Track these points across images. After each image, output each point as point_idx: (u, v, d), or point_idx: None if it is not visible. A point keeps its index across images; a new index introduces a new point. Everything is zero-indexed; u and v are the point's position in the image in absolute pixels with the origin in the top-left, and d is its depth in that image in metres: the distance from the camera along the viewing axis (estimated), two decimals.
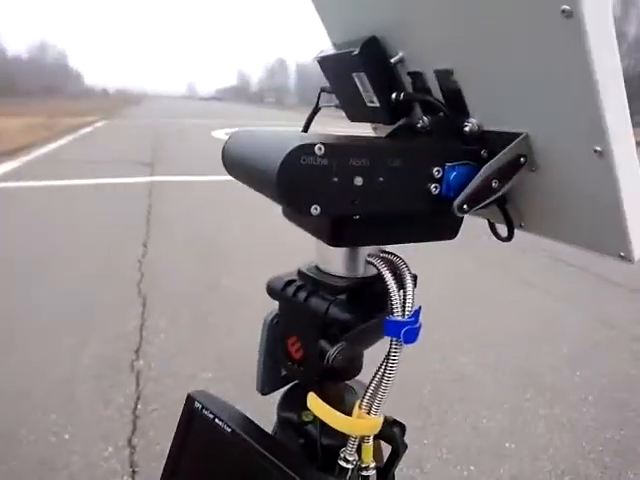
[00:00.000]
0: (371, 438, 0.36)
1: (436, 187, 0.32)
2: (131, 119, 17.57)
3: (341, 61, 0.41)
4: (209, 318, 2.08)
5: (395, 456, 0.38)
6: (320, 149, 0.28)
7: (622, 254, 0.33)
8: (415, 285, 0.35)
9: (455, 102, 0.35)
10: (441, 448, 1.39)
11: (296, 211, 0.29)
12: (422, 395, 1.63)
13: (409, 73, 0.38)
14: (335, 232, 0.33)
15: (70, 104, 30.49)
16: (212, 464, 0.38)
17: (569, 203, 0.34)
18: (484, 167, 0.32)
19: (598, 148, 0.29)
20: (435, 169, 0.32)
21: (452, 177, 0.32)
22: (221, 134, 11.11)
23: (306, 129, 0.46)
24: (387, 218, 0.34)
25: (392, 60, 0.38)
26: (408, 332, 0.33)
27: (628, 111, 0.29)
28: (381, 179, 0.30)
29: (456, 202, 0.32)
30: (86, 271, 2.59)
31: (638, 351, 1.98)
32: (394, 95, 0.38)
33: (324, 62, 0.43)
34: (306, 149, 0.28)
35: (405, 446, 0.38)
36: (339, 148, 0.29)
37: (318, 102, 0.46)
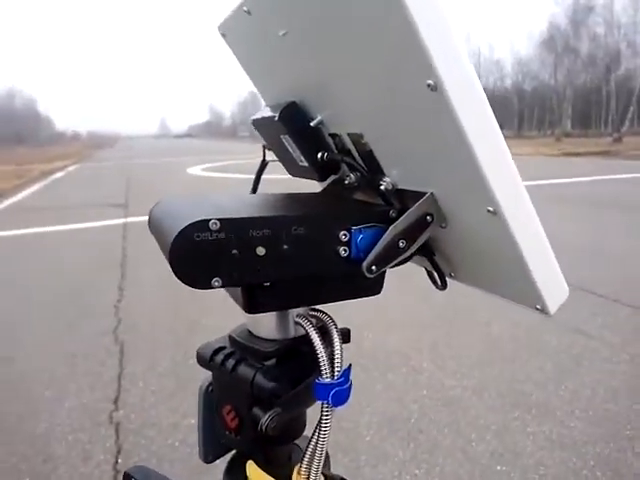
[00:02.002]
0: None
1: (345, 250, 0.33)
2: (104, 161, 17.50)
3: (269, 124, 0.42)
4: (190, 361, 2.03)
5: None
6: (215, 224, 0.28)
7: (538, 307, 0.34)
8: (347, 341, 0.36)
9: (371, 162, 0.37)
10: (434, 478, 1.36)
11: (194, 287, 0.29)
12: (410, 423, 1.61)
13: (330, 134, 0.40)
14: (249, 299, 0.33)
15: (41, 150, 30.26)
16: None
17: (480, 257, 0.36)
18: (390, 228, 0.33)
19: (490, 208, 0.30)
20: (342, 233, 0.33)
21: (359, 240, 0.33)
22: (197, 170, 11.13)
23: (255, 187, 0.47)
24: (303, 281, 0.34)
25: (312, 123, 0.40)
26: (337, 394, 0.33)
27: (515, 170, 0.30)
28: (285, 247, 0.31)
29: (364, 264, 0.33)
30: (61, 318, 2.51)
31: (621, 362, 2.01)
32: (319, 155, 0.40)
33: (258, 124, 0.44)
34: (199, 226, 0.28)
35: None
36: (236, 222, 0.29)
37: (264, 158, 0.47)
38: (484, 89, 0.28)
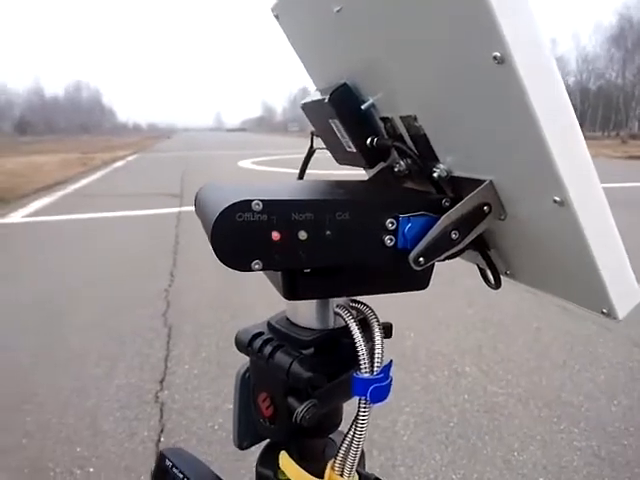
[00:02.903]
0: None
1: (391, 239, 0.31)
2: (161, 152, 18.17)
3: (318, 108, 0.41)
4: (233, 348, 2.07)
5: None
6: (258, 205, 0.28)
7: (604, 310, 0.31)
8: (388, 336, 0.34)
9: (424, 147, 0.35)
10: None
11: (234, 268, 0.28)
12: (449, 427, 1.57)
13: (381, 118, 0.38)
14: (288, 285, 0.33)
15: (104, 140, 31.82)
16: None
17: (542, 253, 0.33)
18: (442, 218, 0.31)
19: (557, 198, 0.28)
20: (389, 221, 0.31)
21: (407, 229, 0.31)
22: (247, 164, 11.34)
23: (302, 174, 0.46)
24: (345, 270, 0.33)
25: (362, 107, 0.38)
26: (375, 390, 0.32)
27: (588, 158, 0.28)
28: (328, 232, 0.30)
29: (411, 255, 0.31)
30: (115, 301, 2.64)
31: None
32: (369, 140, 0.38)
33: (307, 109, 0.43)
34: (241, 206, 0.27)
35: None
36: (279, 203, 0.28)
37: (312, 145, 0.46)
38: None
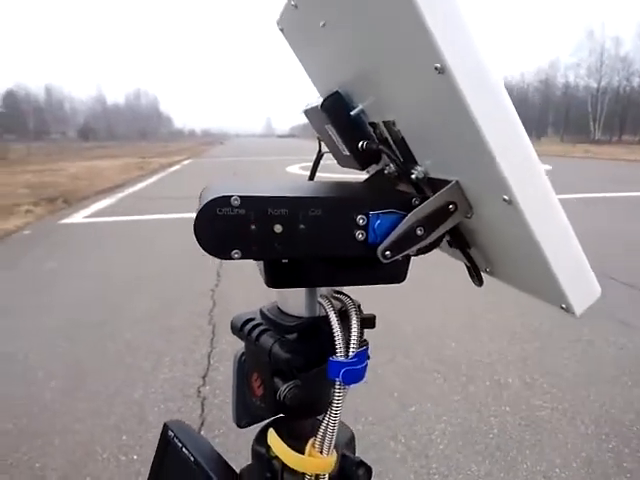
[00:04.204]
0: (326, 477, 0.37)
1: (362, 234, 0.33)
2: (214, 158, 18.75)
3: (315, 114, 0.43)
4: None
5: None
6: (236, 200, 0.30)
7: (563, 306, 0.32)
8: (371, 326, 0.37)
9: (404, 151, 0.37)
10: None
11: (216, 257, 0.31)
12: (488, 438, 1.53)
13: (370, 124, 0.40)
14: (269, 274, 0.35)
15: (161, 145, 33.21)
16: None
17: (505, 251, 0.35)
18: (408, 215, 0.33)
19: (506, 197, 0.29)
20: (359, 217, 0.33)
21: (377, 225, 0.33)
22: (295, 169, 11.49)
23: (312, 176, 0.48)
24: (321, 262, 0.35)
25: (352, 113, 0.40)
26: (348, 373, 0.34)
27: (535, 158, 0.29)
28: (302, 226, 0.32)
29: (379, 248, 0.33)
30: (164, 298, 2.76)
31: None
32: (360, 144, 0.40)
33: (308, 115, 0.46)
34: (221, 201, 0.30)
35: None
36: (256, 199, 0.31)
37: (320, 149, 0.48)
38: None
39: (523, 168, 0.29)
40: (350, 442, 0.43)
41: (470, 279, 0.39)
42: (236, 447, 1.43)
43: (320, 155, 0.49)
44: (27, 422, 1.63)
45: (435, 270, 2.93)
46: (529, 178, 0.29)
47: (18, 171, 11.45)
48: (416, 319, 2.49)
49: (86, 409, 1.70)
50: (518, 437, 1.54)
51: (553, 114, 56.63)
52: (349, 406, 1.70)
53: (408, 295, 2.79)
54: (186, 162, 15.33)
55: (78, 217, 5.62)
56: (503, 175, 0.28)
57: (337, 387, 0.35)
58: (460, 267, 0.43)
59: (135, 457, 1.45)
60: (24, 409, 1.70)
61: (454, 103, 0.28)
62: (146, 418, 1.64)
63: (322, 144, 0.48)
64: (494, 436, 1.55)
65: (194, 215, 0.32)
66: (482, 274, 0.39)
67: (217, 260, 2.29)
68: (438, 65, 0.27)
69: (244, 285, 2.97)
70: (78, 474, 1.38)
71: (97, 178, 9.56)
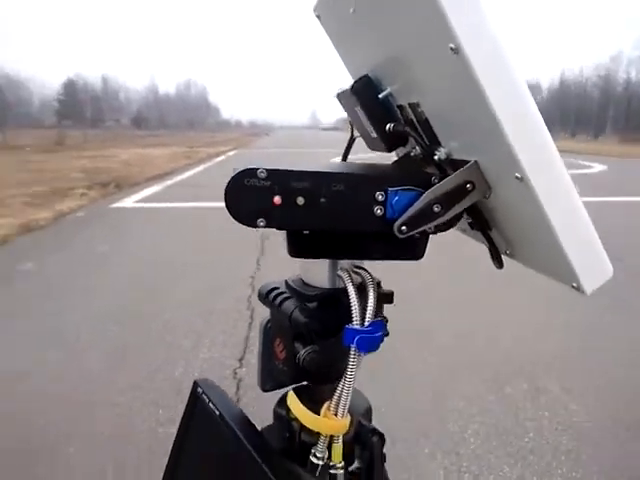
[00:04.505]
0: (340, 438, 0.39)
1: (380, 209, 0.35)
2: (260, 149, 19.01)
3: (346, 97, 0.45)
4: None
5: (371, 462, 0.40)
6: (262, 173, 0.33)
7: (574, 284, 0.32)
8: (388, 301, 0.38)
9: (429, 132, 0.38)
10: None
11: (243, 224, 0.34)
12: (523, 442, 1.50)
13: (397, 106, 0.41)
14: (291, 243, 0.37)
15: (208, 135, 33.98)
16: (206, 443, 0.44)
17: (521, 231, 0.35)
18: (426, 192, 0.34)
19: (518, 174, 0.30)
20: (378, 193, 0.34)
21: (395, 201, 0.34)
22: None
23: (344, 157, 0.49)
24: (341, 235, 0.37)
25: (380, 95, 0.41)
26: (362, 340, 0.35)
27: (547, 136, 0.30)
28: (323, 200, 0.34)
29: (396, 223, 0.34)
30: (206, 283, 2.85)
31: None
32: (387, 126, 0.41)
33: (340, 98, 0.47)
34: (250, 173, 0.33)
35: (383, 455, 0.41)
36: (280, 172, 0.33)
37: (352, 133, 0.49)
38: None
39: (535, 147, 0.30)
40: (367, 412, 0.45)
41: (492, 262, 0.40)
42: None
43: (352, 139, 0.50)
44: (73, 392, 1.73)
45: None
46: (540, 157, 0.30)
47: (74, 156, 12.03)
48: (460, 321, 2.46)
49: (126, 383, 1.78)
50: (555, 442, 1.50)
51: (613, 112, 53.75)
52: (378, 403, 1.70)
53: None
54: (231, 153, 15.63)
55: (129, 202, 5.86)
56: (514, 152, 0.29)
57: (352, 353, 0.36)
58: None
59: (172, 431, 1.51)
60: (73, 380, 1.81)
61: (469, 83, 0.29)
62: (185, 395, 1.70)
63: (354, 129, 0.49)
64: (529, 440, 1.51)
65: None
66: (502, 257, 0.40)
67: (257, 248, 2.36)
68: (453, 45, 0.28)
69: (281, 274, 3.00)
70: (118, 443, 1.46)
71: (147, 165, 9.92)
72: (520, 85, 0.29)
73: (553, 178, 0.30)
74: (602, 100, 54.24)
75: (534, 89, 66.17)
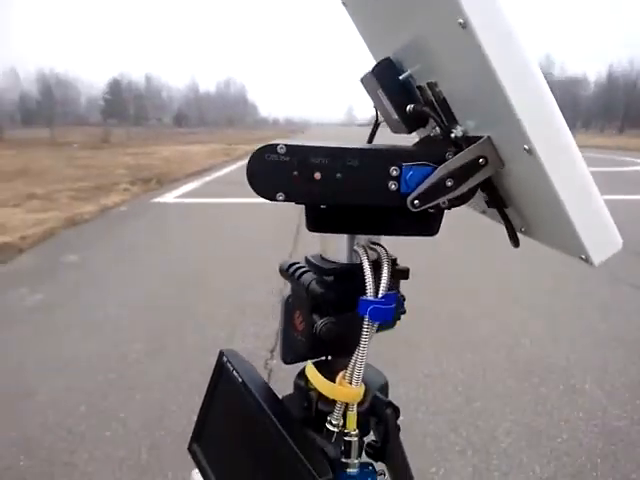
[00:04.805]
0: (355, 407, 0.40)
1: (395, 184, 0.35)
2: None
3: (369, 81, 0.45)
4: None
5: (385, 432, 0.42)
6: (282, 149, 0.34)
7: (582, 256, 0.33)
8: (404, 277, 0.40)
9: (446, 111, 0.38)
10: None
11: (264, 197, 0.35)
12: (556, 442, 1.47)
13: (417, 87, 0.42)
14: (309, 218, 0.39)
15: (246, 133, 34.46)
16: (230, 409, 0.46)
17: (533, 205, 0.36)
18: (439, 167, 0.34)
19: (526, 147, 0.30)
20: (392, 168, 0.35)
21: (409, 176, 0.35)
22: None
23: (370, 141, 0.50)
24: (357, 209, 0.38)
25: (400, 77, 0.42)
26: (375, 311, 0.37)
27: (555, 109, 0.30)
28: (339, 175, 0.35)
29: (409, 197, 0.35)
30: (239, 276, 2.91)
31: None
32: (408, 108, 0.42)
33: (364, 82, 0.48)
34: (270, 149, 0.34)
35: (397, 427, 0.42)
36: (299, 148, 0.34)
37: (377, 117, 0.49)
38: None
39: (542, 119, 0.30)
40: (383, 388, 0.47)
41: (510, 241, 0.40)
42: None
43: (377, 124, 0.50)
44: (115, 377, 1.81)
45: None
46: (548, 129, 0.30)
47: (118, 153, 12.48)
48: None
49: (164, 372, 1.85)
50: (590, 445, 1.45)
51: None
52: (411, 395, 1.70)
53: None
54: None
55: (169, 197, 6.04)
56: (522, 124, 0.30)
57: (365, 323, 0.37)
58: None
59: None
60: (113, 366, 1.89)
61: (478, 57, 0.29)
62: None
63: (379, 114, 0.50)
64: (563, 441, 1.47)
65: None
66: (518, 235, 0.40)
67: (290, 242, 2.39)
68: (461, 20, 0.29)
69: None
70: (155, 426, 1.52)
71: (187, 162, 10.18)
72: (528, 59, 0.30)
73: (561, 150, 0.31)
74: None
75: (581, 83, 63.58)
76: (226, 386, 0.46)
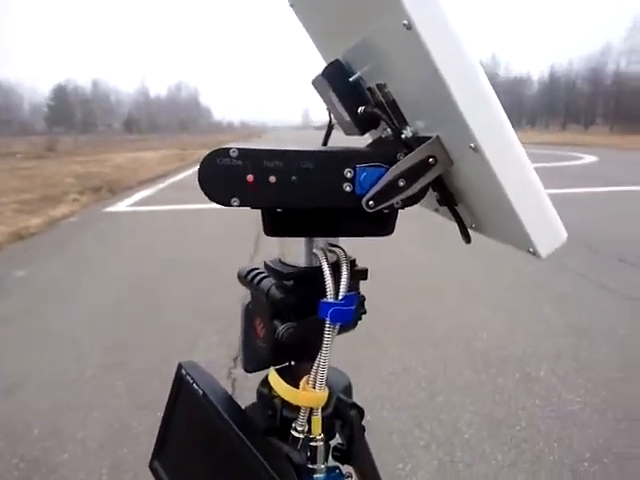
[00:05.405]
0: (319, 412, 0.40)
1: (349, 186, 0.36)
2: None
3: (320, 83, 0.46)
4: None
5: (350, 434, 0.42)
6: (234, 152, 0.33)
7: (530, 249, 0.34)
8: (363, 278, 0.40)
9: (396, 112, 0.39)
10: None
11: (217, 203, 0.34)
12: (515, 430, 1.52)
13: (367, 89, 0.42)
14: (266, 222, 0.38)
15: (201, 137, 33.88)
16: (191, 422, 0.45)
17: (481, 202, 0.37)
18: (391, 168, 0.35)
19: (472, 145, 0.31)
20: (347, 170, 0.36)
21: (363, 177, 0.36)
22: None
23: (324, 144, 0.50)
24: (313, 212, 0.38)
25: (351, 79, 0.42)
26: (336, 312, 0.37)
27: (498, 108, 0.31)
28: (294, 178, 0.35)
29: (364, 199, 0.35)
30: (200, 282, 2.86)
31: None
32: (359, 110, 0.42)
33: (315, 84, 0.48)
34: (221, 153, 0.33)
35: (362, 428, 0.42)
36: (252, 151, 0.34)
37: (330, 120, 0.50)
38: None
39: (486, 118, 0.31)
40: (346, 389, 0.47)
41: (461, 237, 0.41)
42: None
43: (330, 126, 0.51)
44: (71, 394, 1.73)
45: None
46: (492, 127, 0.31)
47: (66, 162, 11.97)
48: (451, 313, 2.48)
49: (125, 385, 1.79)
50: (547, 430, 1.52)
51: (603, 103, 54.03)
52: (377, 393, 1.72)
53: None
54: None
55: (122, 205, 5.85)
56: (467, 123, 0.31)
57: (327, 326, 0.38)
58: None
59: None
60: (68, 382, 1.81)
61: (423, 57, 0.30)
62: None
63: (332, 116, 0.50)
64: (521, 428, 1.53)
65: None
66: (469, 232, 0.41)
67: (251, 246, 2.36)
68: (406, 22, 0.29)
69: None
70: (115, 445, 1.47)
71: (140, 169, 9.89)
72: (471, 59, 0.31)
73: (505, 148, 0.32)
74: (592, 92, 54.50)
75: (525, 83, 66.42)
76: (186, 399, 0.45)
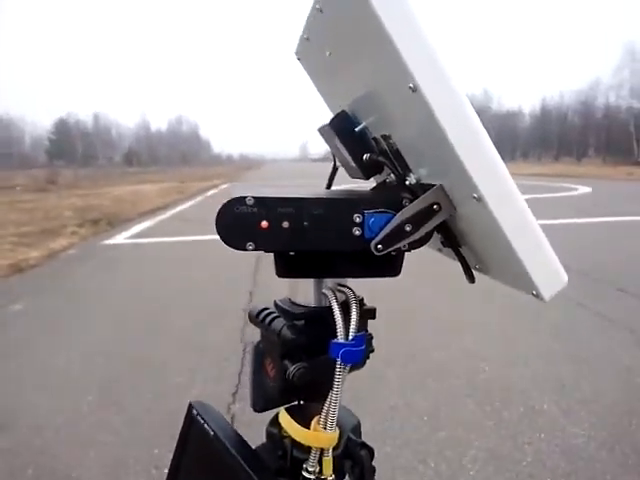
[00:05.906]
0: (330, 452, 0.40)
1: (358, 230, 0.38)
2: (251, 181, 19.17)
3: (326, 132, 0.48)
4: None
5: (361, 475, 0.41)
6: (250, 200, 0.35)
7: (534, 292, 0.35)
8: (371, 317, 0.41)
9: (400, 161, 0.41)
10: None
11: (234, 248, 0.36)
12: (521, 466, 1.49)
13: (373, 138, 0.45)
14: (278, 265, 0.40)
15: (200, 170, 34.29)
16: (202, 463, 0.45)
17: (485, 246, 0.38)
18: (398, 214, 0.37)
19: (475, 195, 0.33)
20: (356, 215, 0.37)
21: (371, 222, 0.37)
22: None
23: (329, 185, 0.52)
24: (324, 255, 0.39)
25: (356, 129, 0.45)
26: (347, 353, 0.38)
27: (498, 161, 0.33)
28: (306, 223, 0.36)
29: (373, 242, 0.37)
30: (199, 315, 2.84)
31: None
32: (365, 157, 0.44)
33: (321, 132, 0.51)
34: (239, 201, 0.35)
35: (373, 468, 0.42)
36: (267, 199, 0.36)
37: (335, 163, 0.52)
38: None
39: (488, 170, 0.33)
40: (356, 428, 0.47)
41: (466, 277, 0.43)
42: None
43: (335, 169, 0.52)
44: (66, 432, 1.69)
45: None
46: (493, 178, 0.33)
47: (65, 195, 12.06)
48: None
49: (121, 421, 1.75)
50: (553, 465, 1.48)
51: (594, 136, 55.16)
52: (378, 429, 1.69)
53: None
54: (223, 186, 15.73)
55: (120, 238, 5.86)
56: (470, 176, 0.33)
57: (338, 366, 0.38)
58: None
59: (166, 471, 1.48)
60: (64, 420, 1.77)
61: (428, 117, 0.32)
62: (177, 432, 1.67)
63: (336, 159, 0.52)
64: (527, 464, 1.50)
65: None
66: (474, 272, 0.43)
67: (250, 280, 2.36)
68: (411, 85, 0.32)
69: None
70: None
71: (139, 201, 9.95)
72: (473, 117, 0.33)
73: (506, 197, 0.34)
74: (583, 125, 55.73)
75: (517, 116, 67.89)
76: (197, 440, 0.45)
